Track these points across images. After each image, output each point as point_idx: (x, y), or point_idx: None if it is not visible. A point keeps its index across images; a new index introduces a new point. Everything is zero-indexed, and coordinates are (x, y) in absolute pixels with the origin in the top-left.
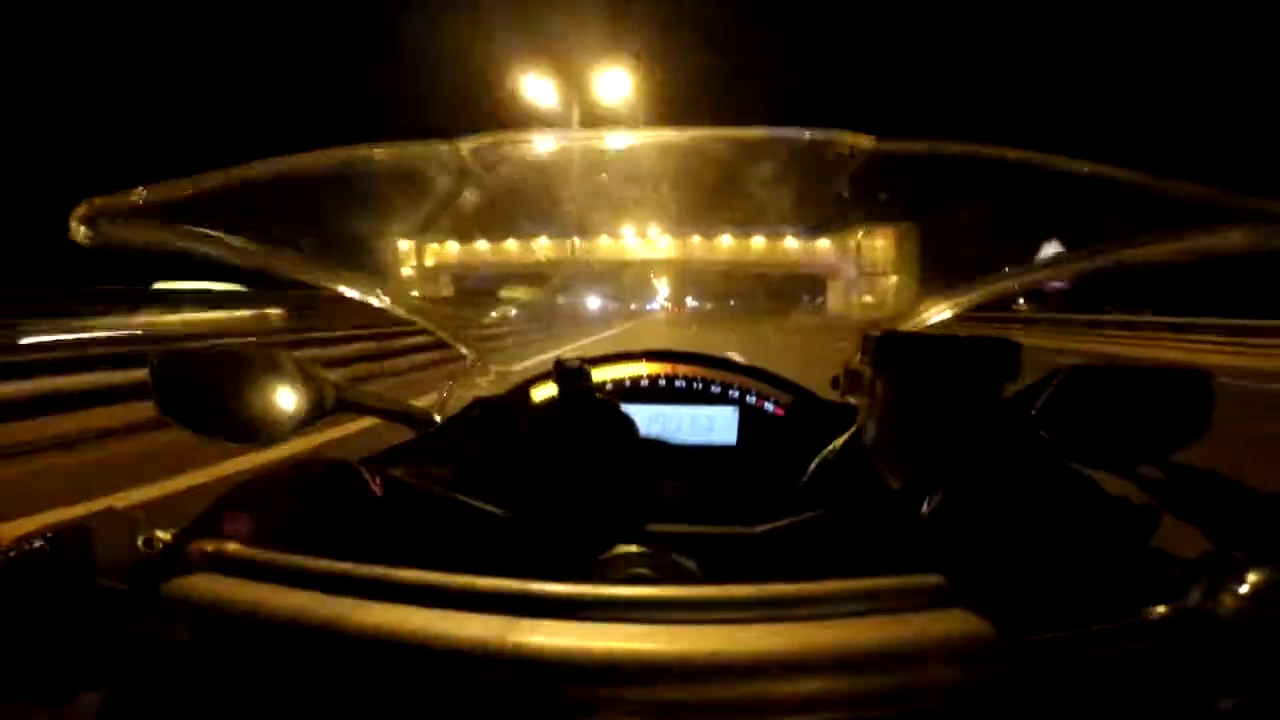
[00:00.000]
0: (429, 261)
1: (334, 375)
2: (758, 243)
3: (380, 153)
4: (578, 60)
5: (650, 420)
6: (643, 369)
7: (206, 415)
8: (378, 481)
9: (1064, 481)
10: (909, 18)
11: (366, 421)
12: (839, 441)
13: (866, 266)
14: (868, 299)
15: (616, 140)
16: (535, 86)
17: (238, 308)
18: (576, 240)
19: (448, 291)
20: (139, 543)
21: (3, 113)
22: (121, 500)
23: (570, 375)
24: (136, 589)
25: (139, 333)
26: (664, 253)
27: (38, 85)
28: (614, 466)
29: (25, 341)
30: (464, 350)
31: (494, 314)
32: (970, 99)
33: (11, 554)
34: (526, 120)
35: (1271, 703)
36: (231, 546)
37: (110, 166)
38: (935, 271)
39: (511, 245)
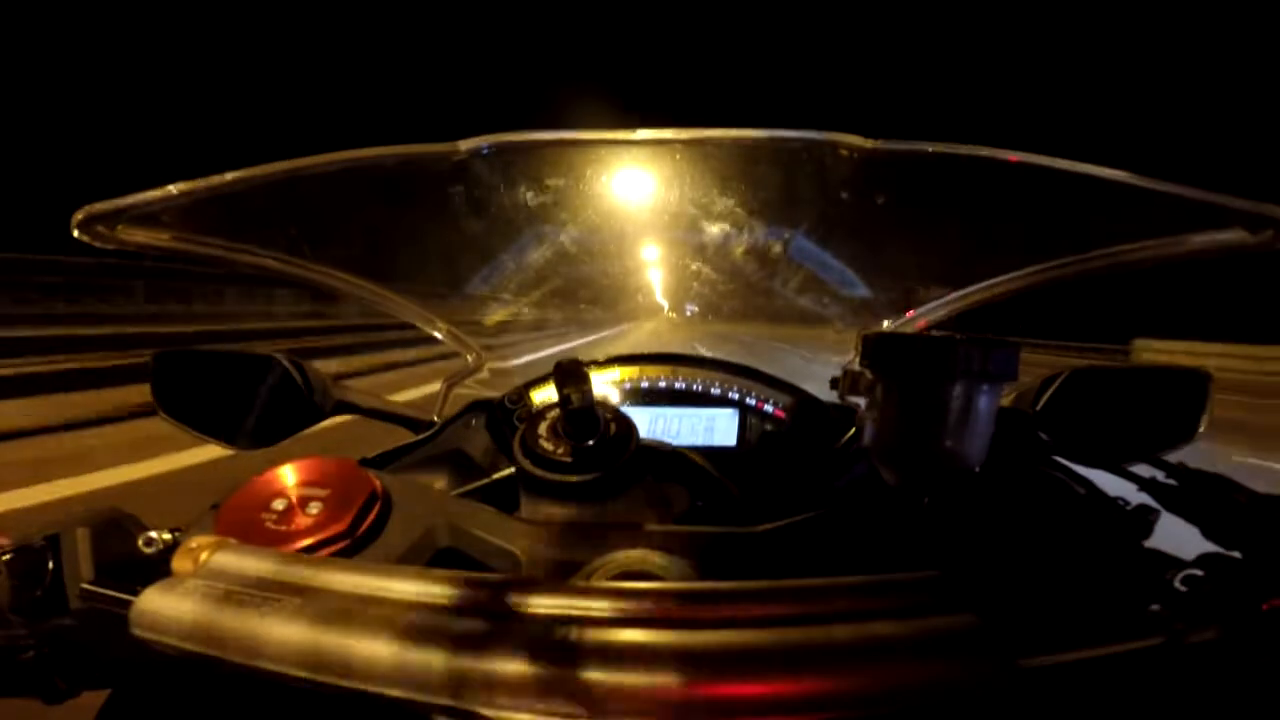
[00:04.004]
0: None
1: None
2: (759, 246)
3: (380, 155)
4: None
5: (650, 422)
6: (642, 371)
7: (206, 417)
8: (377, 481)
9: (1063, 481)
10: (907, 17)
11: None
12: (839, 443)
13: (865, 268)
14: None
15: (616, 140)
16: None
17: None
18: (572, 241)
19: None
20: (139, 542)
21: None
22: None
23: (569, 377)
24: (135, 588)
25: None
26: (663, 254)
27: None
28: (613, 468)
29: None
30: (463, 351)
31: (495, 317)
32: (968, 100)
33: (11, 554)
34: None
35: (1271, 703)
36: (231, 546)
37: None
38: (933, 273)
39: (510, 246)
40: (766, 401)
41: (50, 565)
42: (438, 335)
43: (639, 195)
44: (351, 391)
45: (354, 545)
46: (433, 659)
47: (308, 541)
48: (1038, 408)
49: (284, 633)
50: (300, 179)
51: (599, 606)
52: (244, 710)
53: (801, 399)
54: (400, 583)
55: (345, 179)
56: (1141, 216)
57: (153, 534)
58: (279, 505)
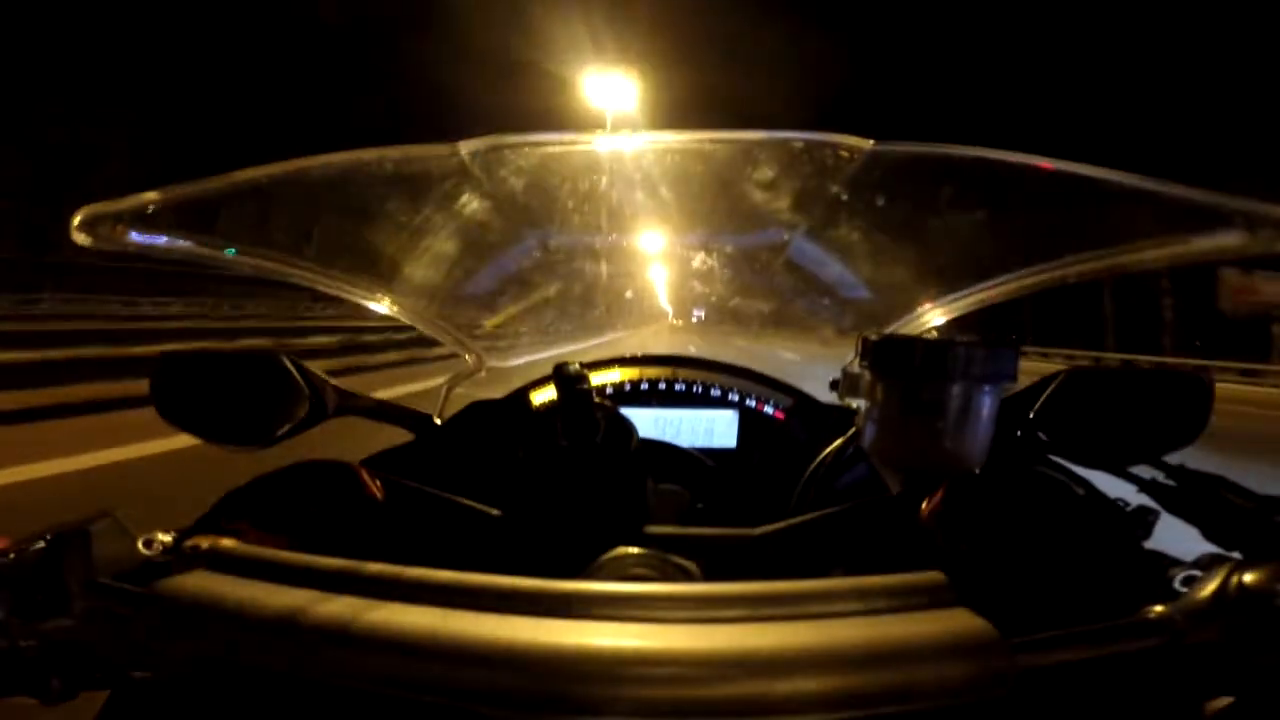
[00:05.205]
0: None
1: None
2: (760, 248)
3: (380, 156)
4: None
5: (650, 424)
6: (642, 373)
7: (207, 420)
8: (377, 483)
9: (1063, 483)
10: (907, 18)
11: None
12: (838, 444)
13: (865, 269)
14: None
15: (616, 142)
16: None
17: None
18: (573, 244)
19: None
20: (139, 543)
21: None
22: None
23: (569, 379)
24: (136, 589)
25: None
26: (664, 258)
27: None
28: (614, 470)
29: None
30: (463, 353)
31: (496, 319)
32: (968, 101)
33: (11, 554)
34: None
35: (1271, 703)
36: (231, 546)
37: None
38: (933, 275)
39: (511, 248)
40: (766, 403)
41: (51, 565)
42: (438, 337)
43: (639, 198)
44: (352, 392)
45: (354, 546)
46: (433, 658)
47: (308, 541)
48: (1037, 409)
49: (284, 632)
50: (301, 180)
51: (599, 608)
52: (244, 710)
53: (801, 400)
54: (401, 583)
55: (346, 180)
56: (1141, 218)
57: (154, 535)
58: (279, 506)
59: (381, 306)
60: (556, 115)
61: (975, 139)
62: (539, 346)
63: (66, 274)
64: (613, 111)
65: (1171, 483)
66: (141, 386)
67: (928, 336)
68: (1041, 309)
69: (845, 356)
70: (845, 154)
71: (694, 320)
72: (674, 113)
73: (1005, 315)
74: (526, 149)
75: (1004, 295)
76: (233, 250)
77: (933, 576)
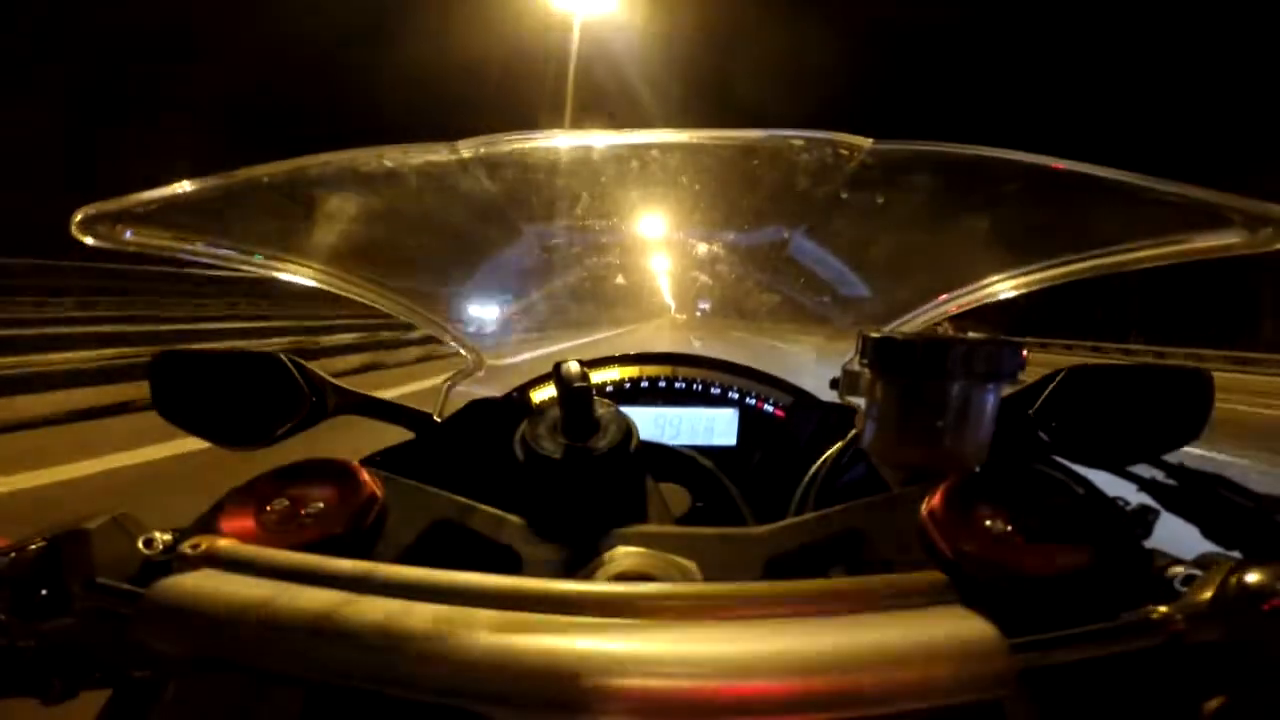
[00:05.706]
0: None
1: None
2: (759, 246)
3: (378, 154)
4: None
5: (650, 422)
6: (642, 371)
7: (206, 418)
8: (377, 481)
9: (1063, 481)
10: (906, 19)
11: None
12: (839, 445)
13: (865, 267)
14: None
15: (615, 141)
16: None
17: None
18: (572, 242)
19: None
20: (139, 543)
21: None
22: None
23: (569, 377)
24: (136, 589)
25: None
26: (663, 255)
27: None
28: (614, 469)
29: None
30: (462, 351)
31: (496, 316)
32: (968, 100)
33: (12, 554)
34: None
35: (1270, 703)
36: (231, 546)
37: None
38: (932, 273)
39: (510, 246)
40: (766, 401)
41: (51, 565)
42: (437, 335)
43: (639, 196)
44: (352, 391)
45: (354, 545)
46: (435, 658)
47: (308, 541)
48: (1037, 407)
49: (284, 632)
50: (300, 178)
51: (598, 607)
52: (245, 710)
53: (801, 399)
54: (401, 583)
55: (345, 178)
56: (1141, 216)
57: (153, 535)
58: (279, 505)
59: (381, 304)
60: (516, 18)
61: (974, 137)
62: (540, 343)
63: None
64: (582, 15)
65: (1171, 481)
66: None
67: (928, 334)
68: (1165, 294)
69: (830, 344)
70: (845, 152)
71: (697, 314)
72: (664, 10)
73: (1113, 303)
74: (526, 146)
75: (1003, 293)
76: (233, 249)
77: (933, 576)
